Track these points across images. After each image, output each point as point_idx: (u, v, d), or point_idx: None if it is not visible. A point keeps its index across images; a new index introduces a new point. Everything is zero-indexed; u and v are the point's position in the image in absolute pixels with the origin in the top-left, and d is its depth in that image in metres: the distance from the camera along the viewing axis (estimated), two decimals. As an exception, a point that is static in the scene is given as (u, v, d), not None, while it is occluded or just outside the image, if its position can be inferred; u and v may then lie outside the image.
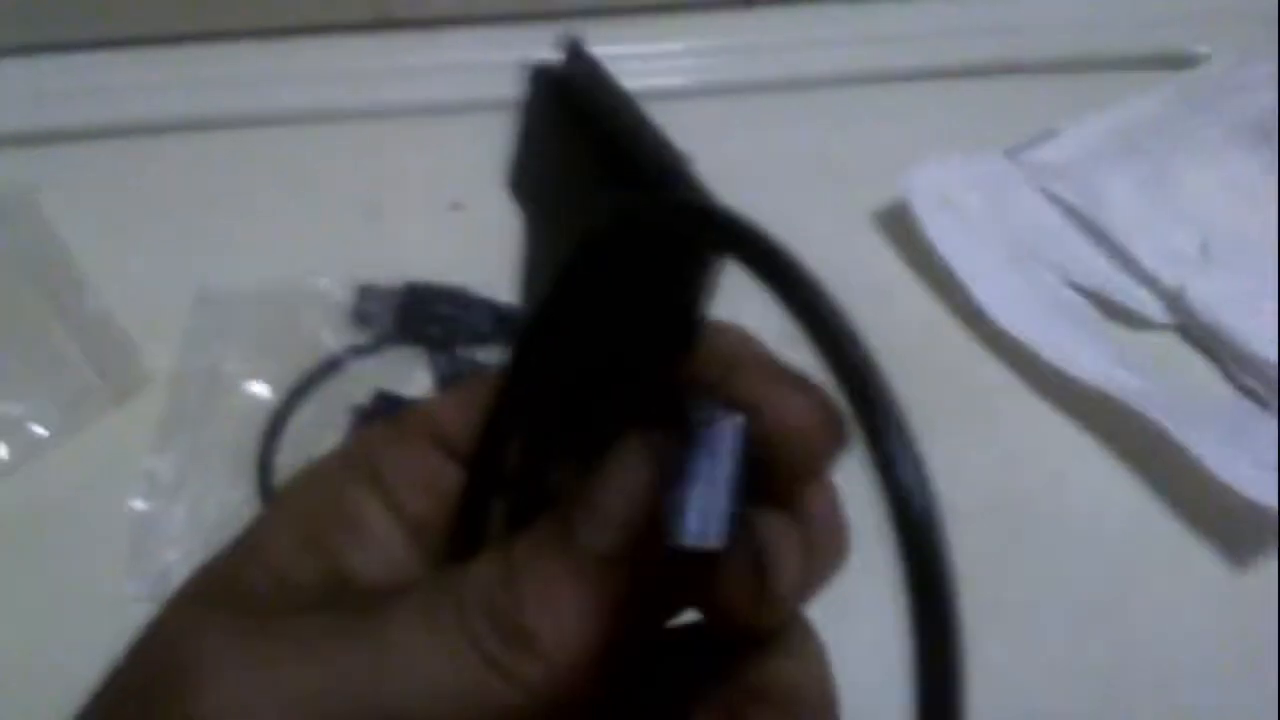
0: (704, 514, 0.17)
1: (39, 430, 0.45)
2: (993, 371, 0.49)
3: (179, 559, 0.42)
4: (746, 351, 0.21)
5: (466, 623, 0.19)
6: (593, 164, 0.20)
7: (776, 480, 0.18)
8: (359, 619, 0.19)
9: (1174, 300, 0.50)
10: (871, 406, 0.15)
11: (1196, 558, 0.45)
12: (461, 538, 0.22)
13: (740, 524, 0.18)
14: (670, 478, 0.18)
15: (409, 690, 0.19)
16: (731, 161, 0.54)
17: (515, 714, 0.19)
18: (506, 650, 0.19)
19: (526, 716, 0.19)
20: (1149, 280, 0.50)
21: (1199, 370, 0.50)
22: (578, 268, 0.20)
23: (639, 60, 0.58)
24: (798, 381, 0.18)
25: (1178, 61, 0.58)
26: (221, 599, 0.21)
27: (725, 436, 0.17)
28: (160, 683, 0.19)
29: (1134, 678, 0.43)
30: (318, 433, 0.44)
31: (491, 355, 0.47)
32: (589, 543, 0.19)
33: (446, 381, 0.46)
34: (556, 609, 0.19)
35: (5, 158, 0.52)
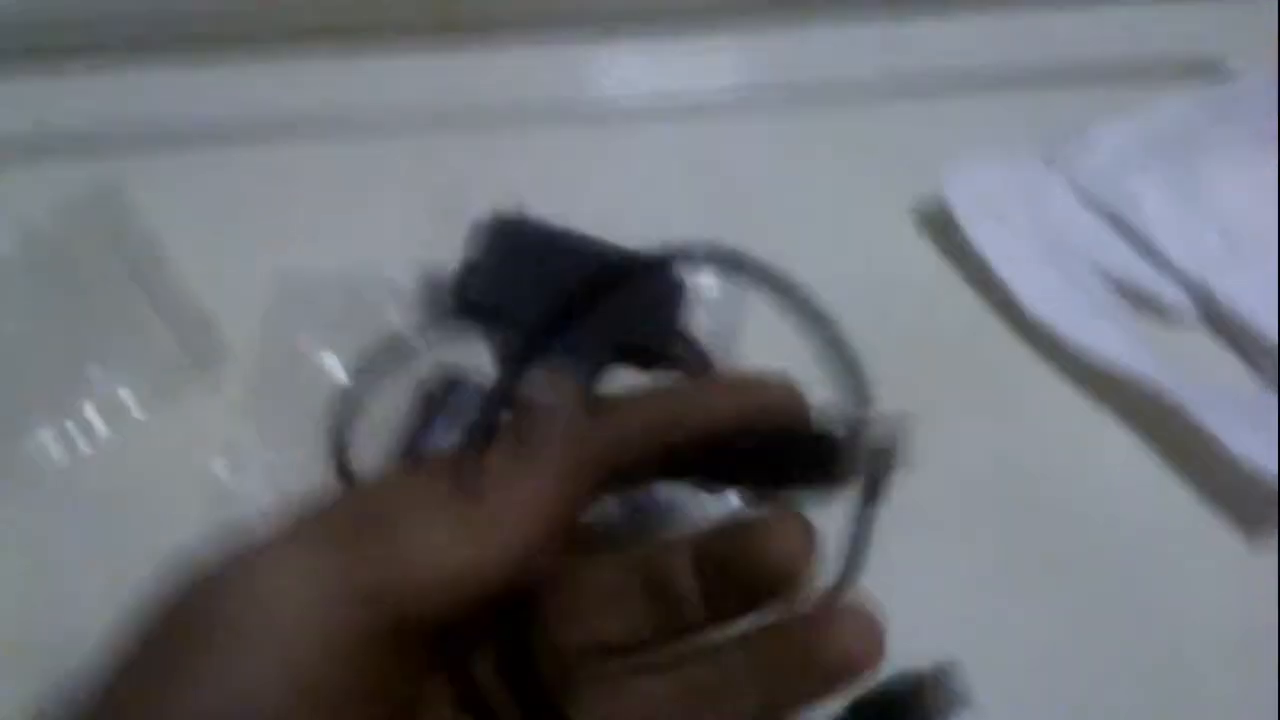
0: None
1: (130, 403, 0.48)
2: (1028, 362, 0.51)
3: (257, 522, 0.45)
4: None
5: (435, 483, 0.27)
6: (562, 278, 0.29)
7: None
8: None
9: (1202, 296, 0.52)
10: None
11: (1216, 538, 0.47)
12: None
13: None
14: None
15: (411, 555, 0.26)
16: (775, 171, 0.57)
17: (492, 574, 0.25)
18: (472, 508, 0.26)
19: (501, 580, 0.26)
20: (1179, 276, 0.53)
21: (1226, 363, 0.52)
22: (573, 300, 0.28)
23: (680, 73, 0.61)
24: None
25: (1206, 71, 0.60)
26: None
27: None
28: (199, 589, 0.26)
29: (1148, 652, 0.45)
30: (386, 405, 0.47)
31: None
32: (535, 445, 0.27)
33: (503, 359, 0.48)
34: (510, 483, 0.26)
35: (96, 157, 0.55)
